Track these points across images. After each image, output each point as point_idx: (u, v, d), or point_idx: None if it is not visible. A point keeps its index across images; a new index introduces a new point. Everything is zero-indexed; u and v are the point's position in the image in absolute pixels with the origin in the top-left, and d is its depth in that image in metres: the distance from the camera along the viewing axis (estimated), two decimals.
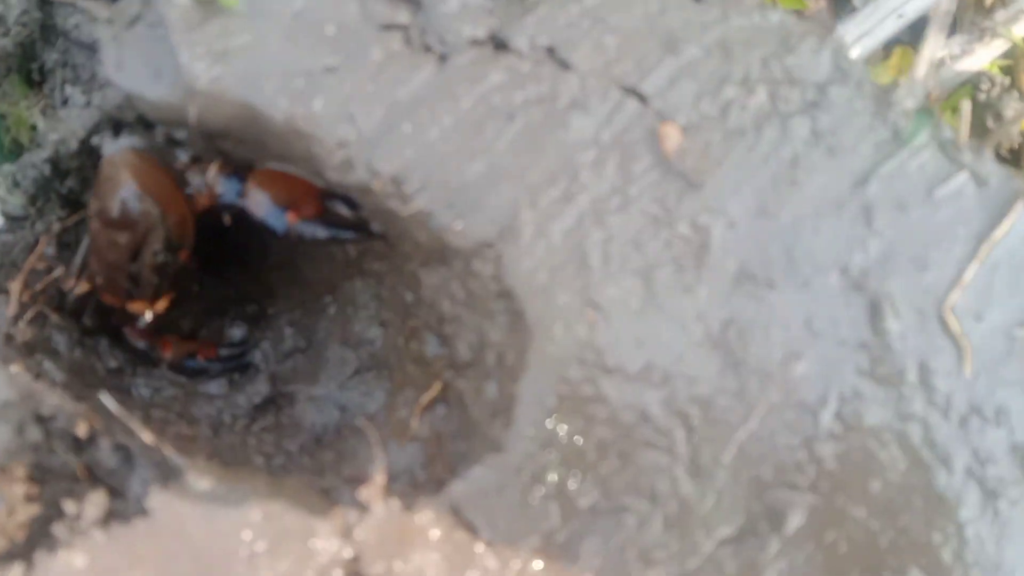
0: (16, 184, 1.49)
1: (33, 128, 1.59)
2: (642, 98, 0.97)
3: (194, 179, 1.22)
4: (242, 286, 1.51)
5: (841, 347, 0.94)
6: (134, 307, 1.28)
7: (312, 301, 1.35)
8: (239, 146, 1.14)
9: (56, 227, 1.47)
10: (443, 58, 0.98)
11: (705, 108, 0.96)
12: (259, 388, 1.32)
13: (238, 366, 1.37)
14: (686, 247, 0.94)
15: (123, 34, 1.00)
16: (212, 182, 1.19)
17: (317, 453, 1.18)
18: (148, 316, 1.29)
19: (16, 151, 1.61)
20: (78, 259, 1.37)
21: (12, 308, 1.10)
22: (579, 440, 0.90)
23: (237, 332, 1.47)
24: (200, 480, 0.85)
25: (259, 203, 1.16)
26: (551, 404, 0.89)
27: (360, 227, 1.16)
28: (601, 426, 0.90)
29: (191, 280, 1.34)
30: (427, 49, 0.98)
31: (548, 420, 0.89)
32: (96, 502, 0.82)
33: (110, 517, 0.81)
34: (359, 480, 1.08)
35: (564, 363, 0.90)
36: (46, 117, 1.51)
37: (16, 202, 1.48)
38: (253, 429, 1.22)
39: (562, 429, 0.90)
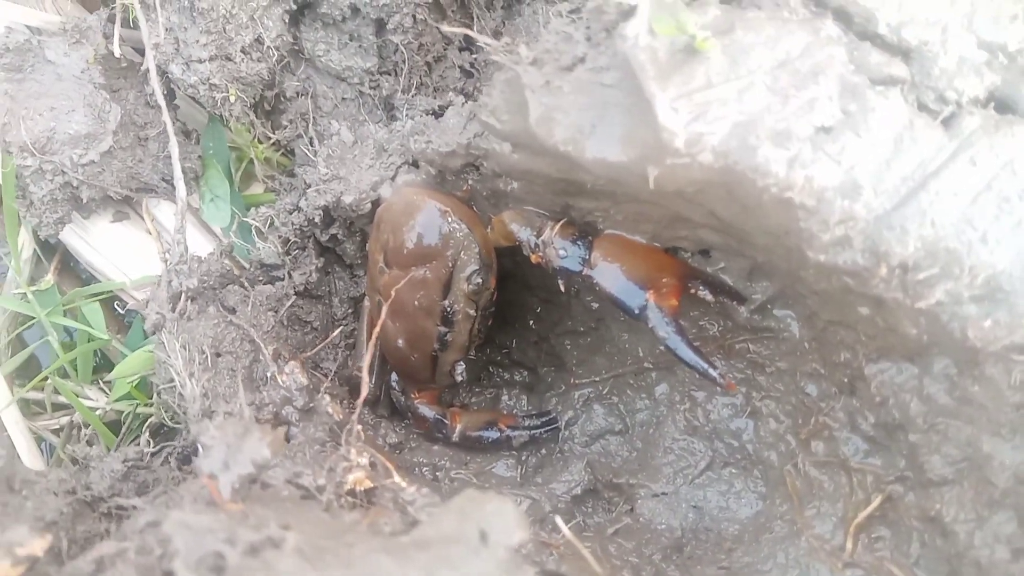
0: (273, 227, 1.32)
1: (276, 164, 1.42)
2: None
3: (522, 232, 1.06)
4: (512, 351, 1.35)
5: None
6: (448, 357, 1.12)
7: (630, 376, 1.19)
8: (618, 206, 0.98)
9: (314, 277, 1.31)
10: (948, 120, 0.82)
11: None
12: (574, 476, 1.14)
13: (546, 433, 1.20)
14: None
15: (557, 80, 0.83)
16: (552, 243, 1.02)
17: (689, 566, 1.01)
18: (461, 369, 1.12)
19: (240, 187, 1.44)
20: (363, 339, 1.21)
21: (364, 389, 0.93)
22: None
23: (520, 403, 1.31)
24: None
25: (610, 276, 1.00)
26: None
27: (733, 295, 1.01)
28: None
29: (487, 326, 1.17)
30: (923, 107, 0.83)
31: None
32: None
33: None
34: None
35: None
36: (305, 159, 1.34)
37: (270, 249, 1.32)
38: (607, 533, 1.04)
39: None
